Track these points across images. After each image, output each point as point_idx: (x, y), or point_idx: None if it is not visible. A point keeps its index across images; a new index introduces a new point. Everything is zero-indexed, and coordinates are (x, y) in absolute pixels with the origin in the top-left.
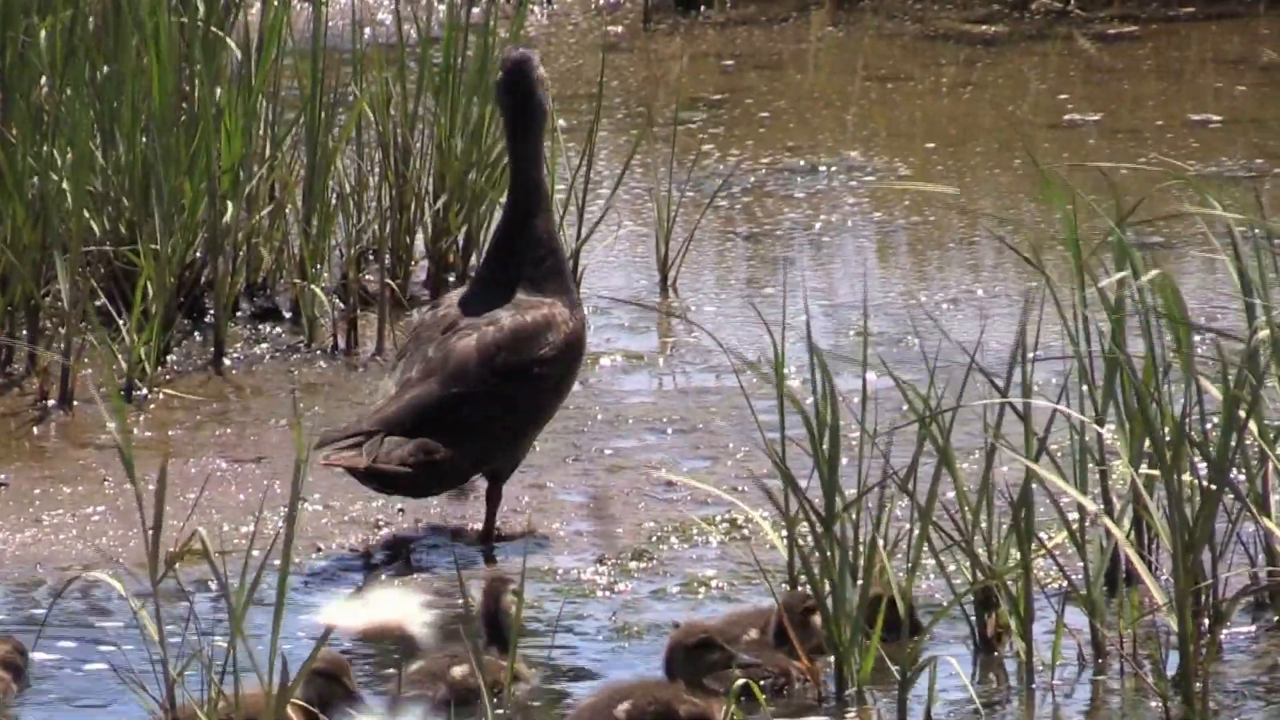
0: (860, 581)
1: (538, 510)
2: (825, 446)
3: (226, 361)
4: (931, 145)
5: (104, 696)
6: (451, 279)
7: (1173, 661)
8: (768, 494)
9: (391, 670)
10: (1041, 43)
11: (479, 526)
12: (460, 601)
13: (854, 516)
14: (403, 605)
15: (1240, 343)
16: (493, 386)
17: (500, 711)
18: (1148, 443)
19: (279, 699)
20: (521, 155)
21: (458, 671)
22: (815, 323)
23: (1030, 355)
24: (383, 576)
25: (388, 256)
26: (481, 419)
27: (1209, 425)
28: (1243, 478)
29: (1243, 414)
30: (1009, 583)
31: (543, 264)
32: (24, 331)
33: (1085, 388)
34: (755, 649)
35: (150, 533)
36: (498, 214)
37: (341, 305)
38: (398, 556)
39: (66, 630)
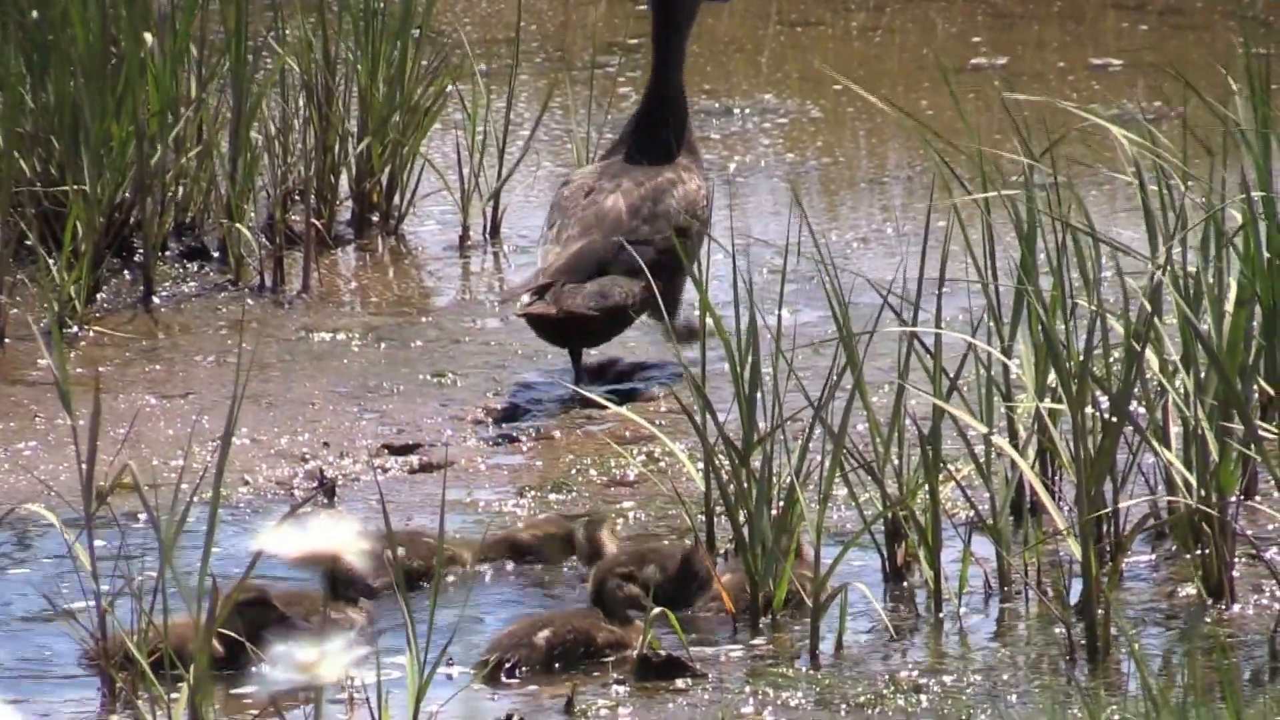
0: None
1: (459, 443)
2: (745, 376)
3: (155, 299)
4: (840, 87)
5: (35, 626)
6: (375, 218)
7: (1076, 589)
8: (692, 422)
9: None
10: None
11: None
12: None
13: (769, 448)
14: (338, 532)
15: (1139, 275)
16: (645, 234)
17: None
18: (1052, 376)
19: (206, 628)
20: (662, 57)
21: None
22: (729, 262)
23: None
24: (309, 507)
25: (313, 197)
26: (641, 263)
27: (1112, 359)
28: (1143, 411)
29: (1141, 348)
30: (918, 513)
31: (677, 150)
32: None
33: (993, 323)
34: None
35: (84, 466)
36: (420, 156)
37: (268, 244)
38: (323, 486)
39: None
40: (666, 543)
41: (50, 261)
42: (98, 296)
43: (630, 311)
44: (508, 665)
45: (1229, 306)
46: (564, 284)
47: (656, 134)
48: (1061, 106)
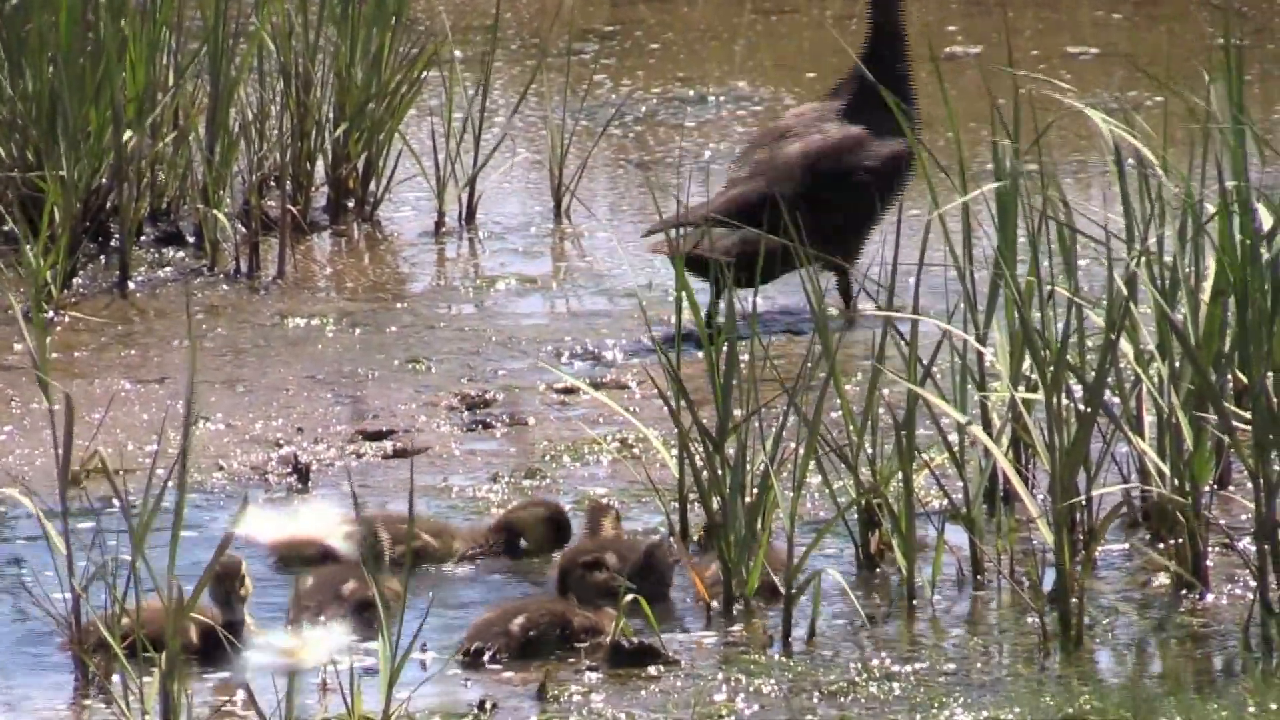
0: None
1: (433, 429)
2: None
3: (131, 285)
4: (814, 75)
5: (9, 612)
6: (351, 204)
7: (1049, 578)
8: (667, 406)
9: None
10: None
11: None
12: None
13: (744, 435)
14: (322, 519)
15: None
16: (814, 189)
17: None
18: (1027, 364)
19: (176, 613)
20: (880, 3)
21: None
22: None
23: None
24: (282, 494)
25: (289, 183)
26: (802, 219)
27: (1087, 347)
28: (1117, 400)
29: (1115, 336)
30: (891, 501)
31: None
32: None
33: (968, 311)
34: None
35: (61, 451)
36: (396, 143)
37: (244, 230)
38: (297, 472)
39: None
40: (636, 535)
41: (27, 247)
42: (74, 282)
43: (769, 269)
44: (488, 654)
45: (1205, 295)
46: (709, 228)
47: (879, 78)
48: (1047, 92)
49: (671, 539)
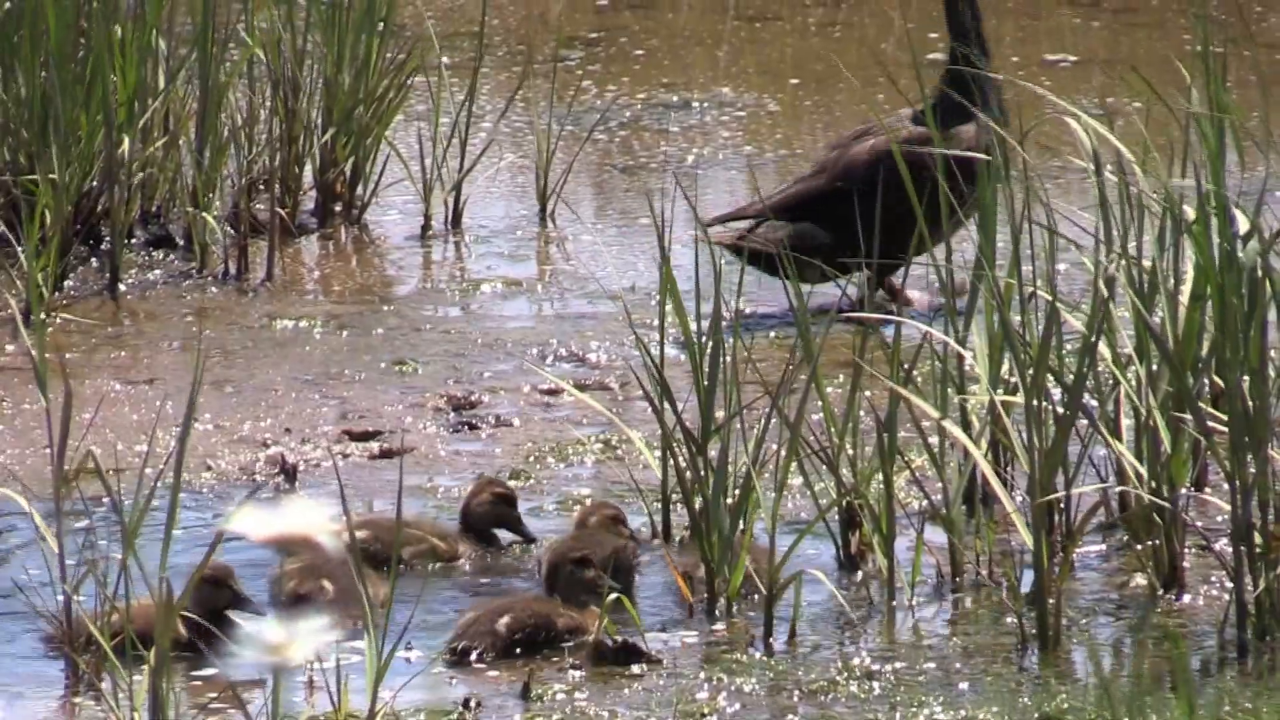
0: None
1: (419, 430)
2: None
3: (121, 287)
4: (798, 81)
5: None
6: (338, 208)
7: (1027, 579)
8: (652, 405)
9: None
10: None
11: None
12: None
13: (727, 437)
14: (311, 515)
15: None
16: (875, 188)
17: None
18: (1006, 367)
19: (168, 611)
20: (955, 19)
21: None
22: (688, 252)
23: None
24: (270, 494)
25: (277, 186)
26: (862, 217)
27: (1065, 350)
28: (1095, 402)
29: (1095, 339)
30: (872, 502)
31: (972, 96)
32: None
33: (948, 314)
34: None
35: (55, 450)
36: (383, 147)
37: (233, 233)
38: (285, 472)
39: None
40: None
41: (19, 250)
42: (65, 284)
43: (824, 263)
44: (475, 653)
45: (1184, 299)
46: (766, 219)
47: (956, 86)
48: (1038, 90)
49: (654, 540)
